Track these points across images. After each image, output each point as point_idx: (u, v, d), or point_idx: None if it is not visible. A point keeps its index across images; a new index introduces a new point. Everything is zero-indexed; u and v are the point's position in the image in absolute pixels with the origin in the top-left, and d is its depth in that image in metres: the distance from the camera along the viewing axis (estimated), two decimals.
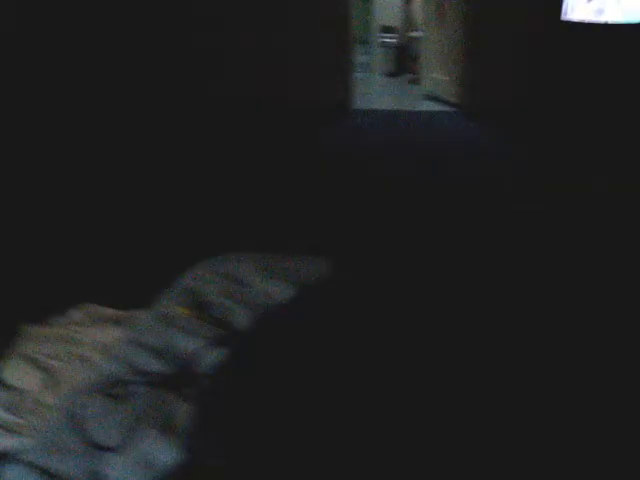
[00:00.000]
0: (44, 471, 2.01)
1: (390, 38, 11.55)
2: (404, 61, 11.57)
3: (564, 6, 7.24)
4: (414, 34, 10.95)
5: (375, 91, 10.75)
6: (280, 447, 2.13)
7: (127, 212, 4.58)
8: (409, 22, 11.43)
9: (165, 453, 2.06)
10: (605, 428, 2.32)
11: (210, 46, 7.42)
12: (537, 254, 3.93)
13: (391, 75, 11.76)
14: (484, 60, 8.02)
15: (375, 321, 2.91)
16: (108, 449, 2.08)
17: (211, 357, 2.53)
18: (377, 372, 2.54)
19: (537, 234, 4.27)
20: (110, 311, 3.11)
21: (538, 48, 7.57)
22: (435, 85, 9.23)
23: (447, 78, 8.78)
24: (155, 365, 2.50)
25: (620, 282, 3.54)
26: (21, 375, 2.58)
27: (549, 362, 2.72)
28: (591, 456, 2.18)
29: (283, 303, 2.92)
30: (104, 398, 2.32)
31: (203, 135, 6.56)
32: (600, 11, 7.02)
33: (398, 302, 3.14)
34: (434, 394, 2.46)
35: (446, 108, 8.76)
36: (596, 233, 4.26)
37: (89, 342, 2.82)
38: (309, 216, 4.63)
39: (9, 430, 2.27)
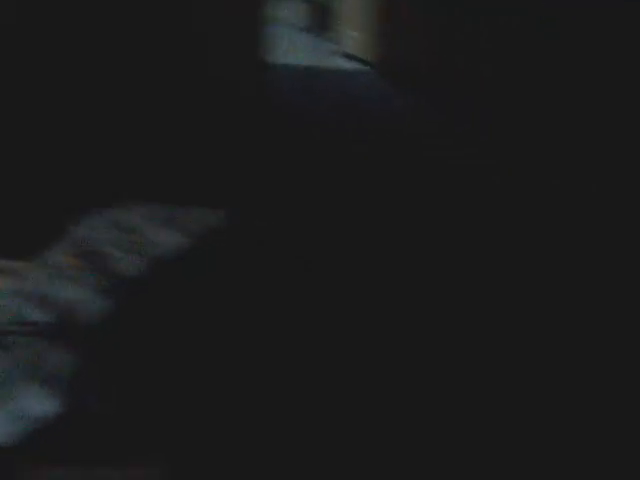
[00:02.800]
0: None
1: None
2: (322, 17, 11.46)
3: None
4: None
5: (292, 46, 10.62)
6: (164, 396, 2.13)
7: (18, 160, 4.37)
8: None
9: (42, 403, 2.02)
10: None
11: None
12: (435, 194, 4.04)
13: (309, 31, 11.64)
14: (400, 19, 8.04)
15: (266, 270, 2.93)
16: None
17: (95, 306, 2.48)
18: (265, 320, 2.57)
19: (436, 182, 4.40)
20: None
21: (455, 9, 7.64)
22: (352, 42, 9.21)
23: (364, 36, 8.78)
24: (38, 315, 2.44)
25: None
26: None
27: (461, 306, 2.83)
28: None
29: (174, 252, 2.89)
30: None
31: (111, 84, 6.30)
32: None
33: (291, 252, 3.17)
34: (324, 344, 2.51)
35: (361, 66, 8.78)
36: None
37: None
38: (212, 167, 4.57)
39: None
